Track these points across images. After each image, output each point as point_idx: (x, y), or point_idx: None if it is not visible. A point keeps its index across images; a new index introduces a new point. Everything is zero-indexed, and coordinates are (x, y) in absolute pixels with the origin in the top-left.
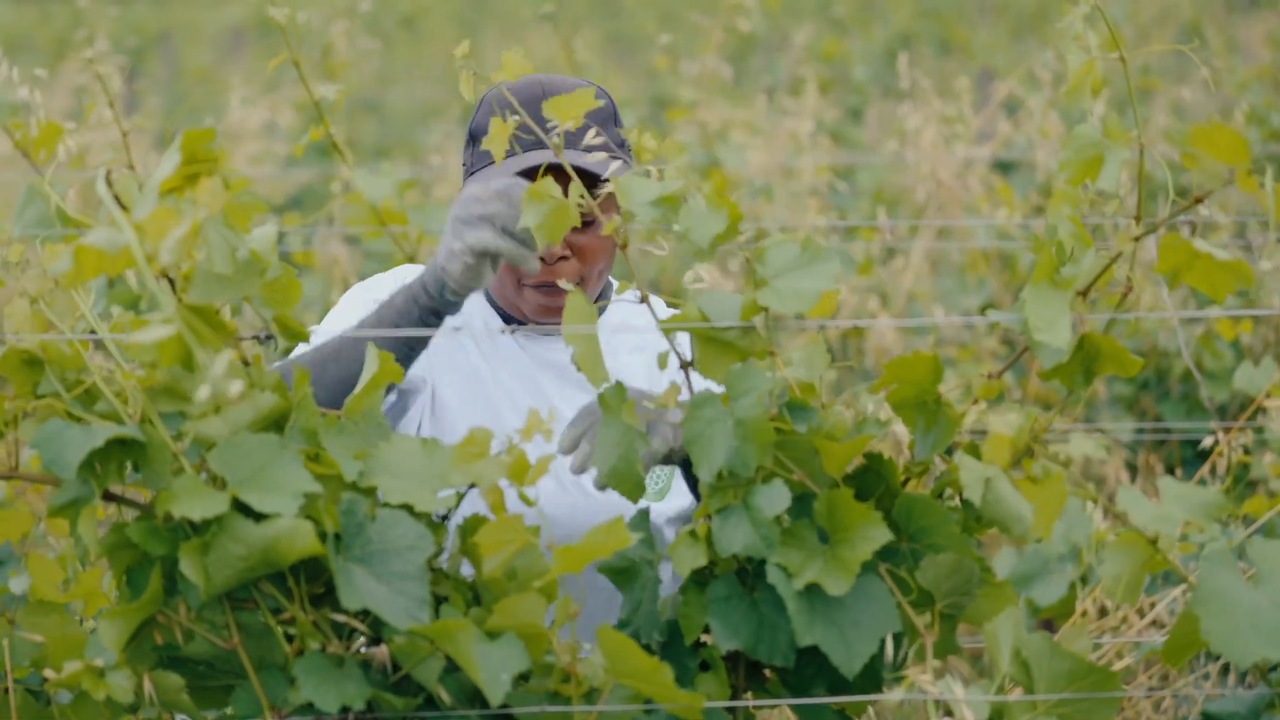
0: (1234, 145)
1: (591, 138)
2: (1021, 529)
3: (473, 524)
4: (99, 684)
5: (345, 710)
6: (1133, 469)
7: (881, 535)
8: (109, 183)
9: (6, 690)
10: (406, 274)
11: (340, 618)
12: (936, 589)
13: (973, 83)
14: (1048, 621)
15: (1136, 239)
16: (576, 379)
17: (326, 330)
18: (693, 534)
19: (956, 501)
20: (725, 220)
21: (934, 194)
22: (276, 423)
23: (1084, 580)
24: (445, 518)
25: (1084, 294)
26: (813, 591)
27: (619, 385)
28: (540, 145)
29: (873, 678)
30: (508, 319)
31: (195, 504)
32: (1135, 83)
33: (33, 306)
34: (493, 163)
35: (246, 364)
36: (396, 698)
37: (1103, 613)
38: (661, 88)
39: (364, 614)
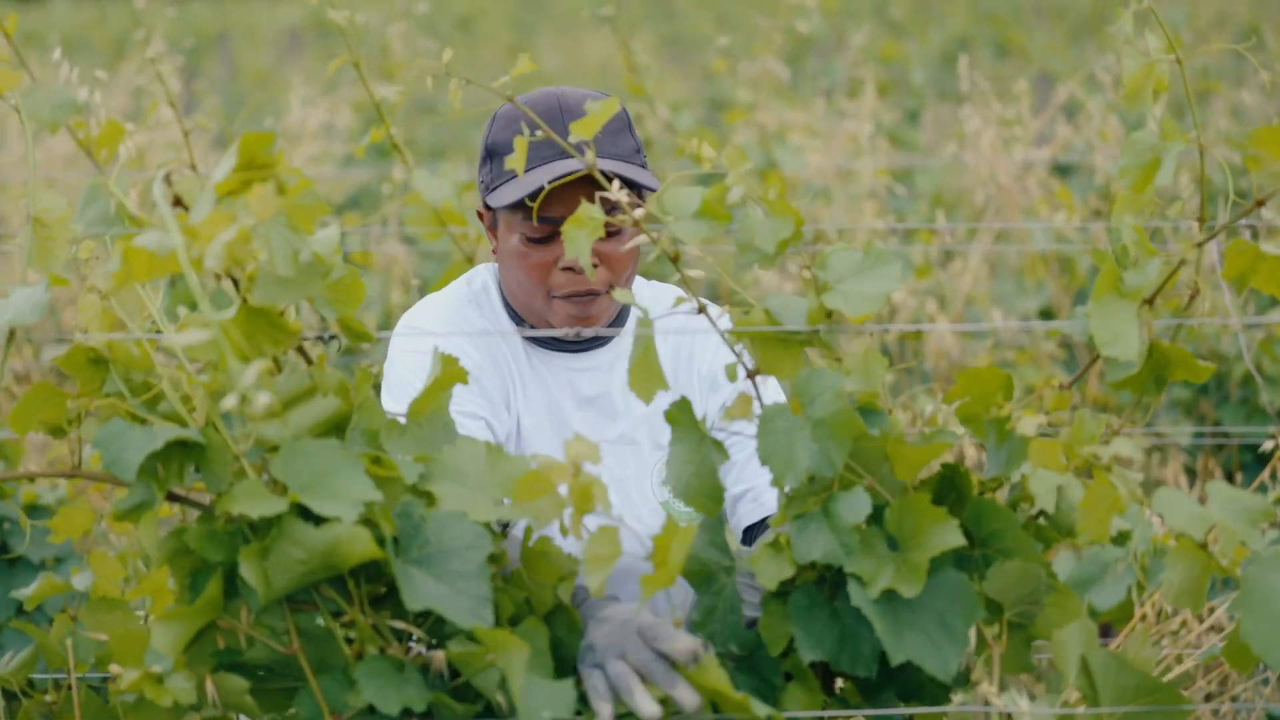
0: None
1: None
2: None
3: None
4: (160, 691)
5: (406, 713)
6: (1191, 474)
7: (954, 538)
8: (168, 183)
9: (69, 687)
10: (455, 298)
11: (399, 624)
12: (1005, 598)
13: (1030, 86)
14: (1105, 625)
15: (1200, 244)
16: (602, 408)
17: (402, 383)
18: (774, 545)
19: (1033, 510)
20: (791, 226)
21: (993, 197)
22: (338, 425)
23: (1141, 586)
24: (506, 528)
25: (1150, 302)
26: (895, 603)
27: (684, 400)
28: (559, 156)
29: (943, 686)
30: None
31: (255, 504)
32: (1193, 86)
33: (103, 303)
34: (514, 176)
35: (310, 363)
36: (456, 703)
37: (1161, 617)
38: (718, 89)
39: (421, 618)
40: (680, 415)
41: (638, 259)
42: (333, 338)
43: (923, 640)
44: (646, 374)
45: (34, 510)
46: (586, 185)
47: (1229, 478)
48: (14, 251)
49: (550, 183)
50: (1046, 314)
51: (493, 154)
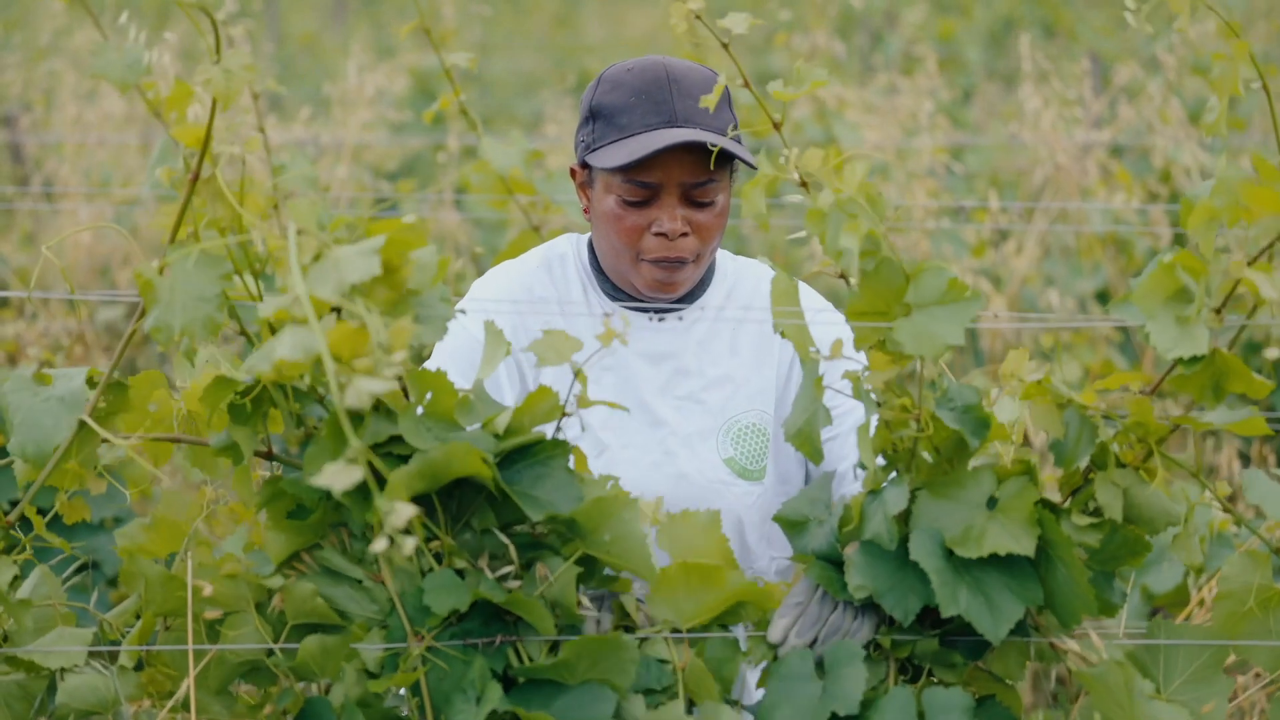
0: None
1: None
2: (1169, 522)
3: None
4: (237, 564)
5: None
6: (1245, 459)
7: (1026, 547)
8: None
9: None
10: (525, 266)
11: (502, 536)
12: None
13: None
14: (1159, 609)
15: (1252, 262)
16: (674, 366)
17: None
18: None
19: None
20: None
21: (1051, 177)
22: None
23: (1200, 569)
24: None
25: (1219, 311)
26: (957, 562)
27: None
28: (666, 124)
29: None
30: (614, 293)
31: (336, 475)
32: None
33: None
34: (618, 139)
35: None
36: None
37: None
38: (765, 63)
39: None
40: (808, 367)
41: (724, 231)
42: None
43: (980, 603)
44: (800, 338)
45: None
46: (688, 153)
47: None
48: (66, 211)
49: (658, 149)
50: (1103, 296)
51: (596, 115)
